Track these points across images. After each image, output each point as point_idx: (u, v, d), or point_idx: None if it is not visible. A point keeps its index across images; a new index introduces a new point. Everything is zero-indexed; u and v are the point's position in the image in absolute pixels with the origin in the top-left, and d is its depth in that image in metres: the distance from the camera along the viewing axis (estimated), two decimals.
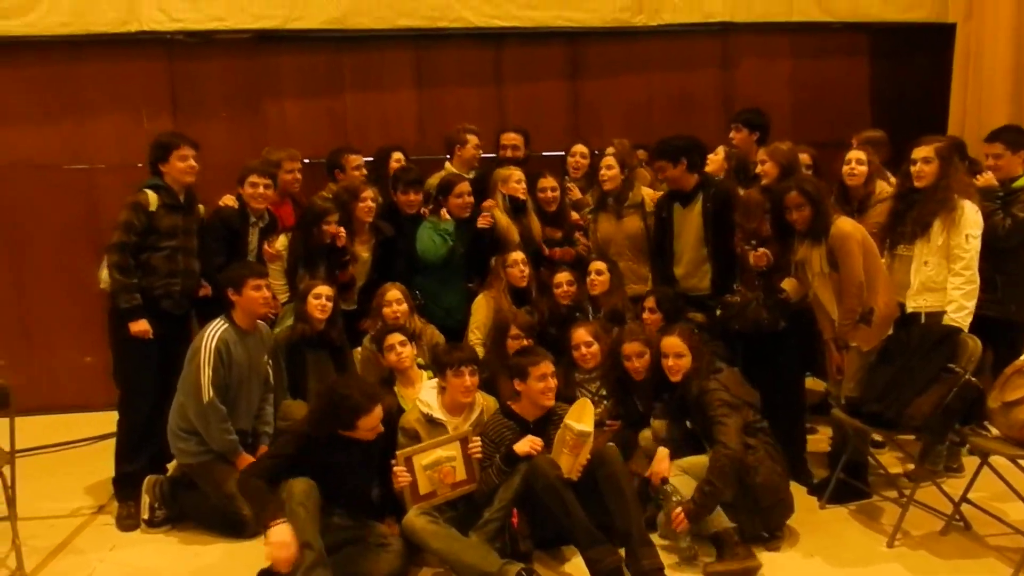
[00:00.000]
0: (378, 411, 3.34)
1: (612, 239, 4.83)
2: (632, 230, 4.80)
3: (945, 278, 3.92)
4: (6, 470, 3.59)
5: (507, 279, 4.61)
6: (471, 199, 4.81)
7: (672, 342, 3.79)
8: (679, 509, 3.41)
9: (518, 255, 4.64)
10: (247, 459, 3.85)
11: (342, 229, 4.53)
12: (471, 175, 5.15)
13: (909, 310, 4.03)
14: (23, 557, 3.59)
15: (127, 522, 4.06)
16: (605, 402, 4.14)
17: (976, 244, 3.91)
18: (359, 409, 3.29)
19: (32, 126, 5.84)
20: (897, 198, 4.19)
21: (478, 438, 3.61)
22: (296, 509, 3.20)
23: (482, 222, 4.76)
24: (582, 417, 3.52)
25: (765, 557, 3.50)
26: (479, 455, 3.58)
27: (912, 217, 4.03)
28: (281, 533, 3.10)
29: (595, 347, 4.12)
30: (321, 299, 4.23)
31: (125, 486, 4.16)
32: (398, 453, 3.53)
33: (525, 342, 4.16)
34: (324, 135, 6.02)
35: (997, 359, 4.09)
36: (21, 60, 5.78)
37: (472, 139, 5.25)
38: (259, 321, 4.11)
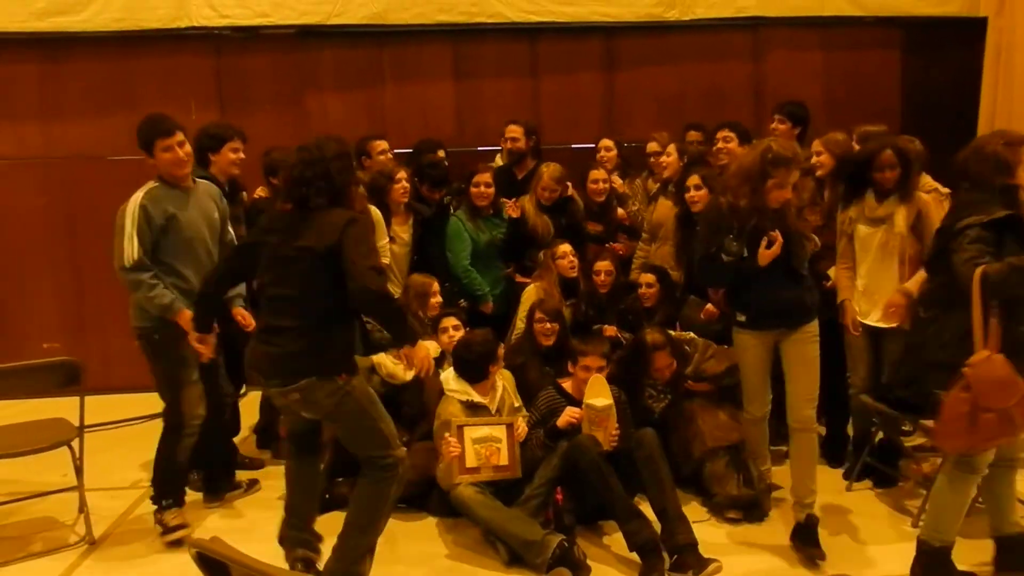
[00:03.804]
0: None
1: (664, 223, 4.92)
2: None
3: None
4: (75, 443, 3.80)
5: (556, 271, 4.79)
6: (489, 190, 4.95)
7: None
8: None
9: (567, 247, 4.81)
10: (187, 314, 3.59)
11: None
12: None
13: None
14: (91, 524, 3.82)
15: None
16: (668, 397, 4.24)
17: None
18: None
19: (87, 119, 6.09)
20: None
21: (523, 423, 3.79)
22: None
23: (510, 211, 4.96)
24: (600, 393, 3.71)
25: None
26: (522, 438, 3.75)
27: None
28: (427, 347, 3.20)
29: (674, 365, 4.18)
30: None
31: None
32: (452, 422, 3.70)
33: (548, 325, 4.31)
34: (364, 128, 6.11)
35: None
36: (76, 56, 6.02)
37: (508, 131, 5.44)
38: (199, 180, 3.97)
